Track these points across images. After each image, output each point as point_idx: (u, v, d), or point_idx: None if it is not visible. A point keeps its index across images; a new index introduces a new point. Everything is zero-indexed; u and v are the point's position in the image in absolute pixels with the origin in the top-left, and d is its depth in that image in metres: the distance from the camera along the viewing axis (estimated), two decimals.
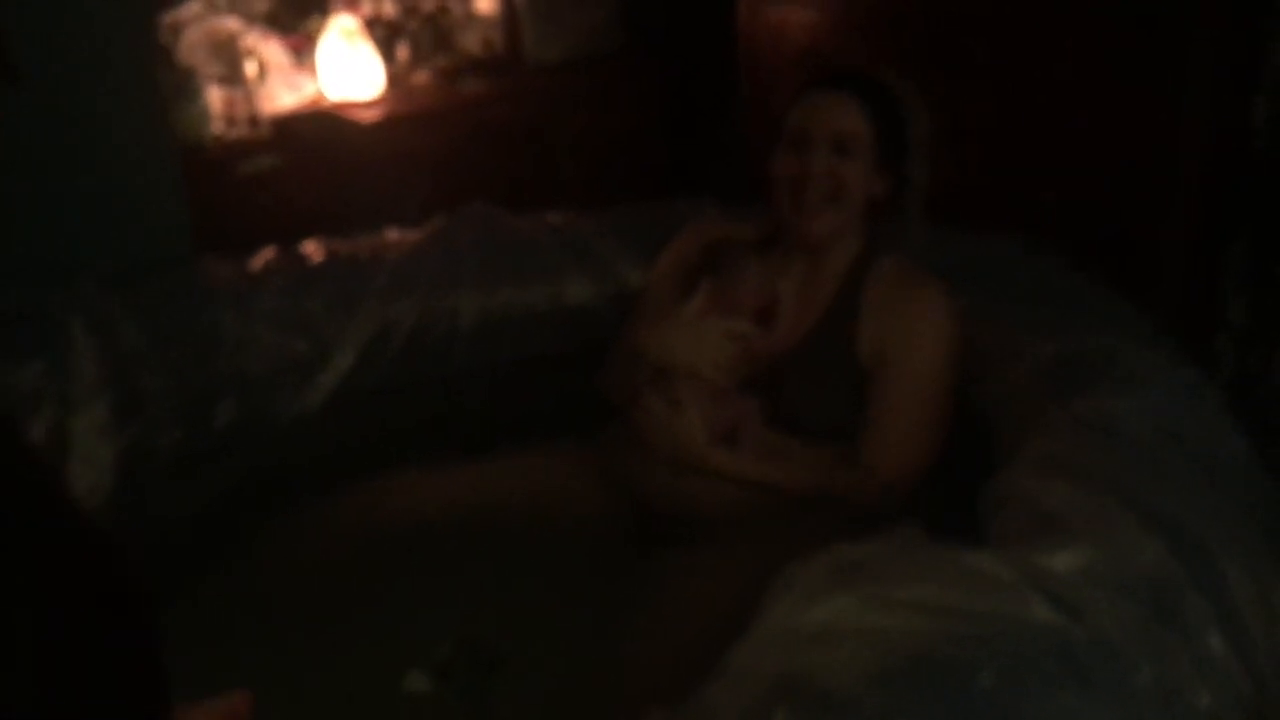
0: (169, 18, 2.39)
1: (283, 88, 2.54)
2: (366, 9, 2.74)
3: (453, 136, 2.62)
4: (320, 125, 2.46)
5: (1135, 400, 1.35)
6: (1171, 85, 1.98)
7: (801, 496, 1.60)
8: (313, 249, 1.99)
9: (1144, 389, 1.38)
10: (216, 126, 2.37)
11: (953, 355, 1.62)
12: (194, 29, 2.39)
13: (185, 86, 2.25)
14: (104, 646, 0.62)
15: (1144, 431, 1.31)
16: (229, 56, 2.36)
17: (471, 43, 2.87)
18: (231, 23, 2.45)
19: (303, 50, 2.66)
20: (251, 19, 2.53)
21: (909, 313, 1.62)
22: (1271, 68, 1.96)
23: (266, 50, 2.53)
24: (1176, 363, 1.49)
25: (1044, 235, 1.88)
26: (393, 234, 2.05)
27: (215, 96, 2.35)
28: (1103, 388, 1.39)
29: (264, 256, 1.95)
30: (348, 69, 2.58)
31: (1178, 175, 2.03)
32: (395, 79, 2.71)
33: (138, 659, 0.65)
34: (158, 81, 2.01)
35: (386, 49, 2.71)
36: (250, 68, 2.42)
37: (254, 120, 2.41)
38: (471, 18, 2.87)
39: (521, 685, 1.41)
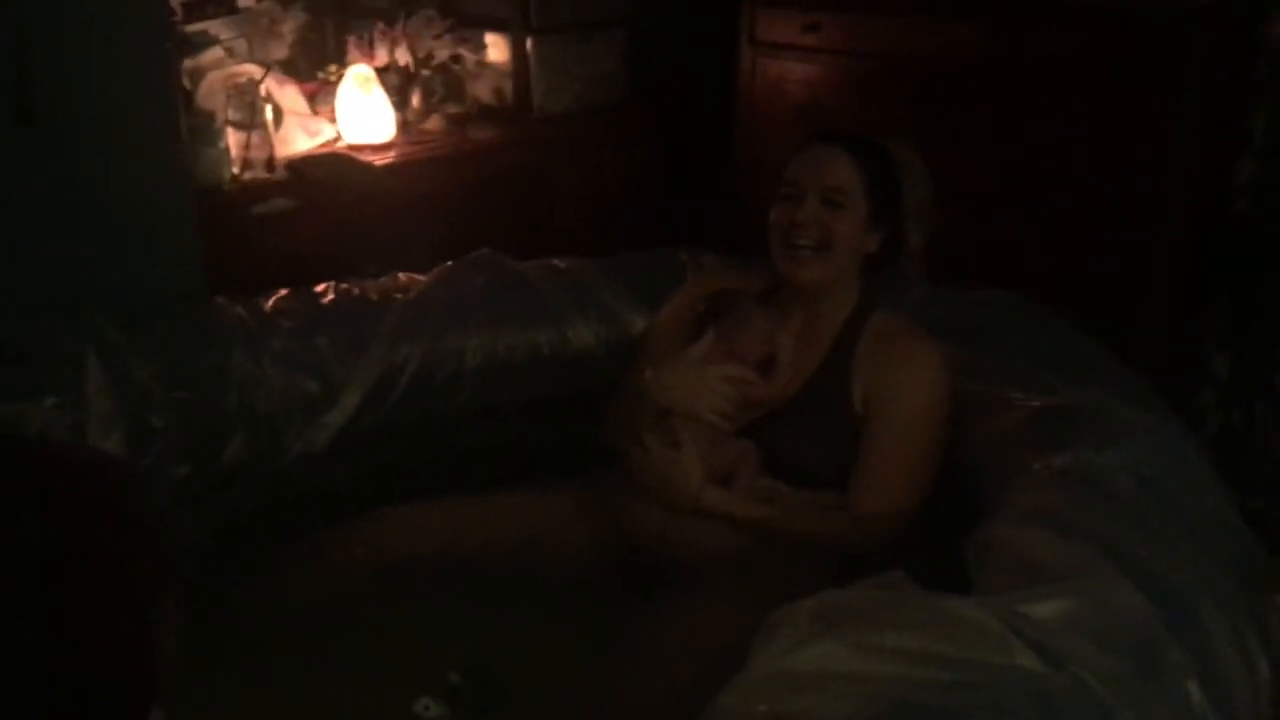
0: (189, 63, 2.45)
1: (299, 132, 2.59)
2: (382, 57, 2.81)
3: (462, 181, 2.67)
4: (334, 167, 2.51)
5: (1119, 453, 1.38)
6: (1156, 146, 2.02)
7: (790, 542, 1.62)
8: (323, 290, 2.03)
9: (1128, 442, 1.41)
10: (233, 169, 2.41)
11: (944, 408, 1.65)
12: (214, 74, 2.44)
13: (205, 130, 2.30)
14: (88, 642, 0.66)
15: (1128, 484, 1.34)
16: (247, 101, 2.41)
17: (483, 92, 2.93)
18: (250, 69, 2.51)
19: (319, 96, 2.72)
20: (269, 65, 2.59)
21: (902, 365, 1.65)
22: (1258, 131, 2.01)
23: (284, 96, 2.59)
24: (1161, 417, 1.52)
25: (1029, 290, 1.92)
26: (402, 277, 2.10)
27: (232, 140, 2.40)
28: (1088, 441, 1.41)
29: (275, 297, 1.99)
30: (362, 114, 2.64)
31: (1161, 234, 2.07)
32: (408, 125, 2.77)
33: (124, 656, 0.68)
34: (179, 125, 2.06)
35: (400, 96, 2.77)
36: (267, 112, 2.47)
37: (270, 163, 2.45)
38: (484, 67, 2.93)
39: (527, 716, 1.43)
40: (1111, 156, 2.09)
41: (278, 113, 2.52)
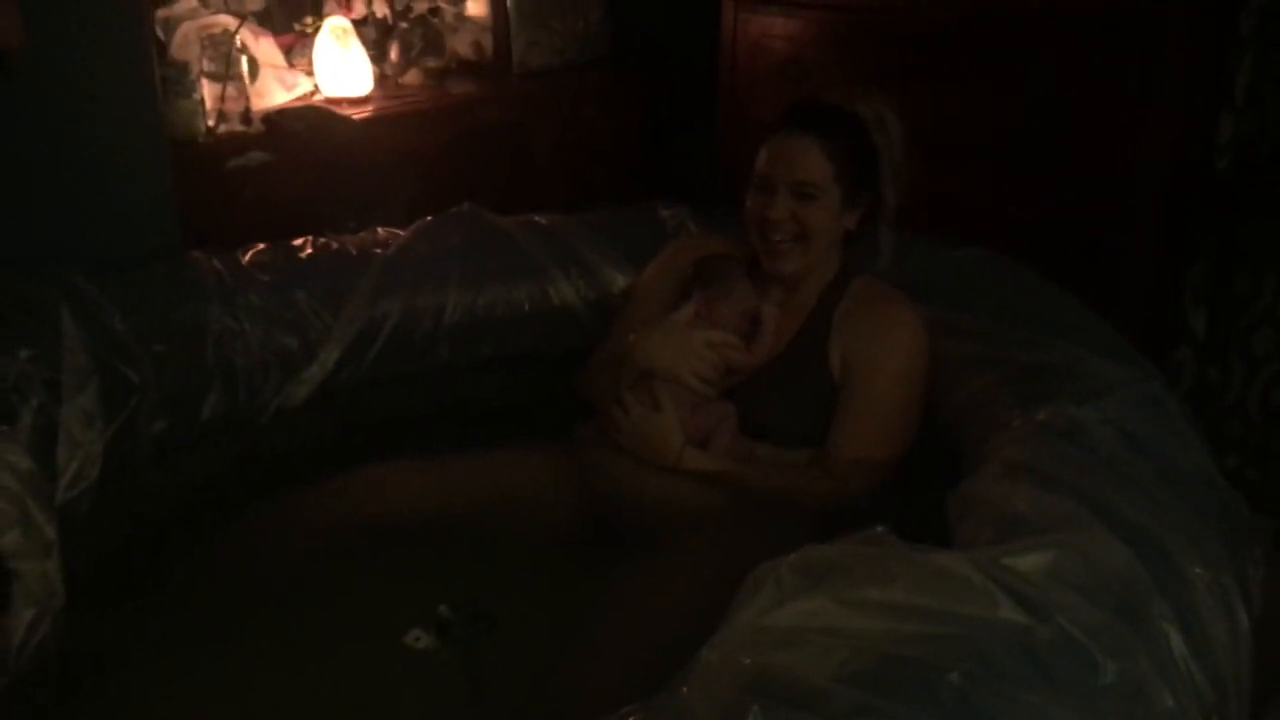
0: (163, 13, 2.40)
1: (275, 85, 2.55)
2: (359, 9, 2.76)
3: (441, 137, 2.64)
4: (310, 121, 2.48)
5: (1099, 409, 1.38)
6: (1139, 103, 2.02)
7: (768, 499, 1.63)
8: (301, 245, 2.00)
9: (1108, 398, 1.41)
10: (208, 122, 2.37)
11: (920, 370, 1.66)
12: (188, 25, 2.39)
13: (179, 82, 2.26)
14: None
15: (1108, 439, 1.34)
16: (222, 53, 2.37)
17: (462, 46, 2.89)
18: (225, 19, 2.46)
19: (295, 48, 2.68)
20: (245, 16, 2.54)
21: (878, 327, 1.66)
22: (1240, 87, 2.00)
23: (259, 47, 2.54)
24: (1142, 372, 1.52)
25: (1012, 247, 1.92)
26: (381, 232, 2.07)
27: (207, 92, 2.36)
28: (1068, 396, 1.42)
29: (252, 251, 1.96)
30: (339, 67, 2.60)
31: (1144, 191, 2.07)
32: (386, 79, 2.73)
33: None
34: (152, 76, 2.02)
35: (378, 49, 2.73)
36: (243, 64, 2.43)
37: (245, 116, 2.42)
38: (463, 20, 2.89)
39: (515, 650, 1.46)
40: (1096, 112, 2.08)
41: (253, 65, 2.48)
